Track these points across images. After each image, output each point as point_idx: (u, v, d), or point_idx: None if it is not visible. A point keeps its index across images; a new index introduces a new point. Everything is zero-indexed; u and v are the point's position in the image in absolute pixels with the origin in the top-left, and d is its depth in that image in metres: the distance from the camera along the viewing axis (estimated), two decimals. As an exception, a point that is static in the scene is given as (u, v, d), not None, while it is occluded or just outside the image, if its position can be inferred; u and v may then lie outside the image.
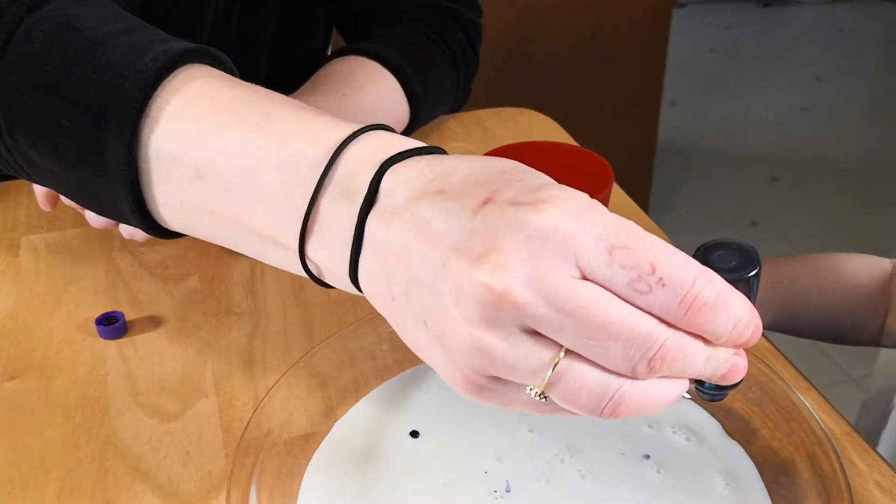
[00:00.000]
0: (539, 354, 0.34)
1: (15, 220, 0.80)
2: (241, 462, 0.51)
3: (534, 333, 0.34)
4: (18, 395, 0.61)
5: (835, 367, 1.90)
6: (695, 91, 3.22)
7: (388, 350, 0.62)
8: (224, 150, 0.42)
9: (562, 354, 0.34)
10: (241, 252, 0.46)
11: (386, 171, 0.39)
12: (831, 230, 2.29)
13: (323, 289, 0.70)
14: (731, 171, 2.70)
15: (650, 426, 0.56)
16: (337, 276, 0.41)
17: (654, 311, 0.33)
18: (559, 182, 0.73)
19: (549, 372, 0.34)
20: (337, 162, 0.40)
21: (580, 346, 0.33)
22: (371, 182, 0.38)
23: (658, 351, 0.33)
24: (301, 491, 0.52)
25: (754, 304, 0.36)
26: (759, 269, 0.37)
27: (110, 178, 0.45)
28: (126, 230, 0.67)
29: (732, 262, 0.37)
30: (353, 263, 0.39)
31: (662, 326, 0.33)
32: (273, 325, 0.67)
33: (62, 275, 0.73)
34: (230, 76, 0.47)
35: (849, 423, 0.57)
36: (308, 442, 0.55)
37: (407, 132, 0.90)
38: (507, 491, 0.52)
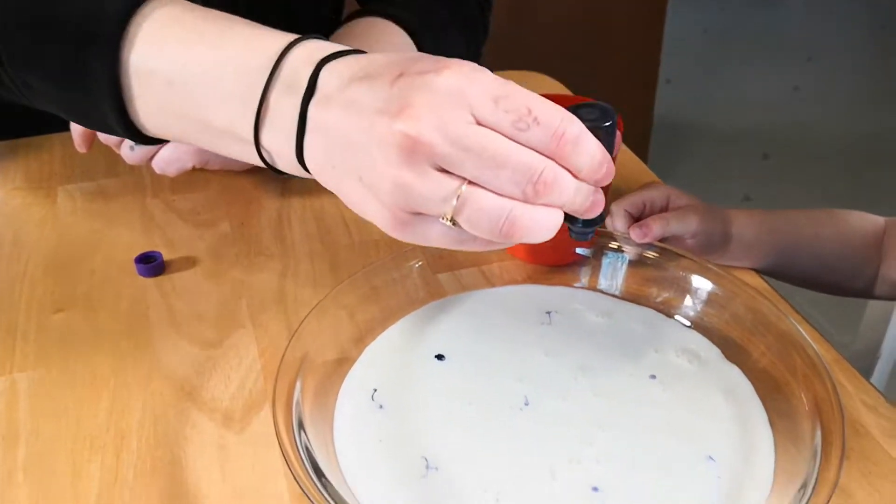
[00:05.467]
0: (447, 185, 0.42)
1: (51, 171, 0.84)
2: (283, 381, 0.55)
3: (442, 170, 0.42)
4: (66, 327, 0.65)
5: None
6: (689, 70, 3.26)
7: (411, 285, 0.66)
8: (189, 62, 0.51)
9: (464, 186, 0.42)
10: (207, 147, 0.54)
11: (322, 67, 0.46)
12: (820, 205, 2.34)
13: (347, 232, 0.75)
14: (724, 148, 2.75)
15: (656, 351, 0.61)
16: (286, 159, 0.49)
17: (533, 146, 0.42)
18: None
19: (455, 200, 0.42)
20: (281, 64, 0.48)
21: (478, 176, 0.42)
22: (311, 76, 0.46)
23: (540, 175, 0.42)
24: (336, 406, 0.57)
25: (610, 153, 0.45)
26: (614, 123, 0.46)
27: (97, 95, 0.53)
28: (157, 165, 0.72)
29: (594, 115, 0.46)
30: (299, 145, 0.47)
31: (541, 157, 0.42)
32: (301, 265, 0.71)
33: (99, 220, 0.77)
34: (192, 4, 0.55)
35: (837, 352, 0.62)
36: (341, 364, 0.60)
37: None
38: (526, 405, 0.56)
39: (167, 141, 0.58)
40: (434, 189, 0.42)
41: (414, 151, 0.42)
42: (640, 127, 2.33)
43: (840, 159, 2.67)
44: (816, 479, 0.48)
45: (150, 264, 0.70)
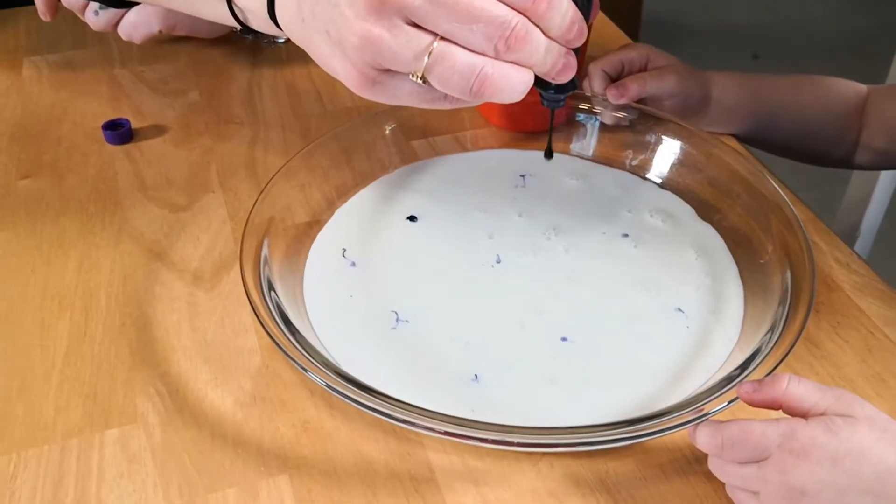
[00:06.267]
0: (419, 41, 0.40)
1: (16, 44, 0.82)
2: (252, 237, 0.54)
3: (414, 25, 0.40)
4: (32, 191, 0.64)
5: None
6: (679, -32, 3.18)
7: (384, 150, 0.65)
8: None
9: (436, 42, 0.40)
10: (180, 9, 0.52)
11: None
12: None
13: (319, 101, 0.73)
14: (712, 46, 2.70)
15: (629, 211, 0.60)
16: (258, 16, 0.48)
17: (508, 2, 0.40)
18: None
19: (427, 57, 0.40)
20: None
21: (451, 31, 0.40)
22: None
23: (513, 31, 0.40)
24: (307, 264, 0.56)
25: (586, 16, 0.44)
26: None
27: None
28: (123, 30, 0.70)
29: None
30: (271, 0, 0.46)
31: (514, 12, 0.40)
32: (272, 133, 0.70)
33: (66, 90, 0.75)
34: None
35: (812, 212, 0.62)
36: (311, 227, 0.59)
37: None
38: (498, 262, 0.56)
39: (135, 4, 0.56)
40: (405, 44, 0.40)
41: (384, 3, 0.39)
42: (628, 26, 2.28)
43: (831, 59, 2.64)
44: (784, 325, 0.48)
45: (118, 131, 0.68)
